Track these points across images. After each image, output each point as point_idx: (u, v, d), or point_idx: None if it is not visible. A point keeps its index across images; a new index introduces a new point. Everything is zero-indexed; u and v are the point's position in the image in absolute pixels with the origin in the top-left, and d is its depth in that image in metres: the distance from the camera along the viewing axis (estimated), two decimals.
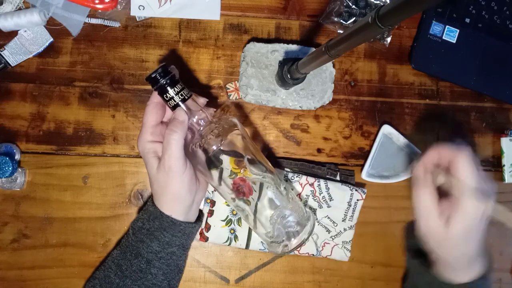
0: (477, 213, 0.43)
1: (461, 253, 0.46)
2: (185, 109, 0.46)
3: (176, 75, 0.47)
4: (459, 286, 0.48)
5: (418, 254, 0.54)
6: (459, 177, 0.43)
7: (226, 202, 0.57)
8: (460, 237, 0.44)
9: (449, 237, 0.44)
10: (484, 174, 0.45)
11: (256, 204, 0.50)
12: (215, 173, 0.49)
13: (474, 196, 0.42)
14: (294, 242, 0.49)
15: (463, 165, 0.44)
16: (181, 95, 0.46)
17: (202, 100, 0.49)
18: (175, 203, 0.48)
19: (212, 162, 0.48)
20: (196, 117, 0.47)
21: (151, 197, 0.51)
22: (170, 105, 0.46)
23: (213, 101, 0.60)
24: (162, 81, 0.45)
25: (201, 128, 0.47)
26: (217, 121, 0.48)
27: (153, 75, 0.45)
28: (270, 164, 0.51)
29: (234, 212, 0.57)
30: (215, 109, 0.50)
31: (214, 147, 0.46)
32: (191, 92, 0.47)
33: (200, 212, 0.56)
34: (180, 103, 0.46)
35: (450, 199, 0.44)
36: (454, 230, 0.43)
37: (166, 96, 0.46)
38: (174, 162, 0.45)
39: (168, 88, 0.45)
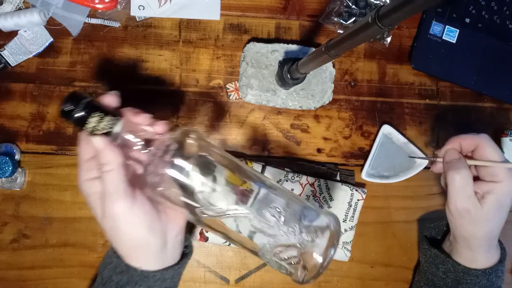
0: (510, 189, 0.48)
1: (490, 229, 0.49)
2: (116, 138, 0.38)
3: (93, 101, 0.37)
4: (476, 272, 0.50)
5: (434, 245, 0.55)
6: (489, 159, 0.48)
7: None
8: (493, 212, 0.48)
9: (484, 211, 0.47)
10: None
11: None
12: (185, 197, 0.39)
13: (509, 174, 0.47)
14: (314, 257, 0.37)
15: (490, 148, 0.48)
16: (105, 124, 0.37)
17: (142, 118, 0.40)
18: (138, 253, 0.40)
19: (173, 184, 0.38)
20: (136, 141, 0.39)
21: None
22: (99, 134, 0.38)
23: (212, 102, 0.60)
24: (75, 115, 0.36)
25: (150, 152, 0.39)
26: (168, 137, 0.39)
27: (63, 108, 0.36)
28: (254, 172, 0.42)
29: None
30: (165, 122, 0.41)
31: (167, 168, 0.37)
32: (118, 116, 0.38)
33: (189, 243, 0.47)
34: (102, 133, 0.37)
35: (477, 181, 0.49)
36: (489, 205, 0.47)
37: (87, 130, 0.37)
38: (117, 205, 0.37)
39: (85, 119, 0.36)
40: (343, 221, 0.59)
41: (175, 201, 0.39)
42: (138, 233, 0.38)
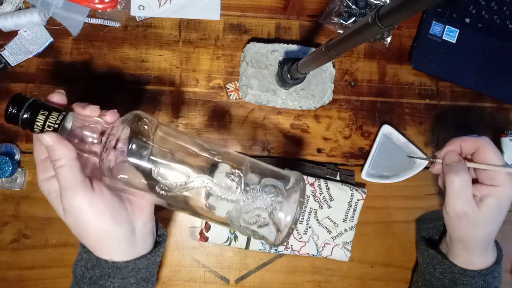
0: (510, 193, 0.48)
1: (487, 232, 0.49)
2: (67, 133, 0.38)
3: (37, 100, 0.37)
4: (472, 273, 0.50)
5: (431, 246, 0.56)
6: (490, 162, 0.48)
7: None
8: (491, 215, 0.48)
9: (482, 215, 0.47)
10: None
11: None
12: (144, 181, 0.39)
13: (508, 178, 0.47)
14: (282, 216, 0.37)
15: (490, 152, 0.48)
16: (53, 120, 0.36)
17: (90, 110, 0.40)
18: (105, 244, 0.39)
19: (132, 170, 0.38)
20: (88, 133, 0.38)
21: None
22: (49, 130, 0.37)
23: (212, 102, 0.60)
24: (22, 116, 0.36)
25: (102, 141, 0.38)
26: (119, 124, 0.39)
27: (8, 112, 0.36)
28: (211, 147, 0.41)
29: None
30: (114, 111, 0.41)
31: (121, 155, 0.37)
32: (66, 110, 0.38)
33: (162, 231, 0.47)
34: (51, 129, 0.37)
35: (475, 184, 0.49)
36: (487, 208, 0.47)
37: (36, 130, 0.36)
38: (73, 198, 0.37)
39: (32, 120, 0.36)
40: (343, 221, 0.59)
41: (135, 185, 0.39)
42: (102, 225, 0.38)
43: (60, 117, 0.37)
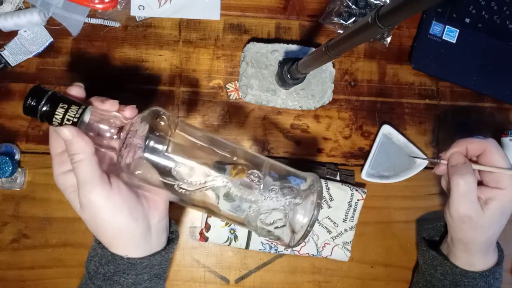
0: None
1: (490, 235, 0.49)
2: (86, 127, 0.37)
3: (56, 93, 0.37)
4: (474, 275, 0.50)
5: (432, 247, 0.55)
6: (496, 165, 0.47)
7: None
8: (495, 218, 0.48)
9: (486, 218, 0.47)
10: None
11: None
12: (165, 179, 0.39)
13: None
14: (299, 218, 0.37)
15: (497, 154, 0.47)
16: (72, 114, 0.36)
17: (109, 105, 0.39)
18: (122, 240, 0.39)
19: (151, 168, 0.37)
20: (107, 128, 0.38)
21: None
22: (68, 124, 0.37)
23: (212, 102, 0.60)
24: (41, 109, 0.35)
25: (121, 137, 0.38)
26: (138, 120, 0.38)
27: (27, 104, 0.35)
28: (236, 147, 0.41)
29: None
30: (133, 106, 0.40)
31: (140, 151, 0.37)
32: (85, 104, 0.38)
33: (175, 228, 0.47)
34: (70, 123, 0.36)
35: (480, 186, 0.49)
36: (491, 211, 0.47)
37: (55, 123, 0.36)
38: (91, 193, 0.36)
39: (51, 113, 0.36)
40: (343, 221, 0.59)
41: (152, 182, 0.38)
42: (119, 220, 0.38)
43: (80, 111, 0.36)
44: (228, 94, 0.60)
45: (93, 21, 0.58)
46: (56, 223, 0.58)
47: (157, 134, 0.37)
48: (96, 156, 0.37)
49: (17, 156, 0.57)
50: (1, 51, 0.57)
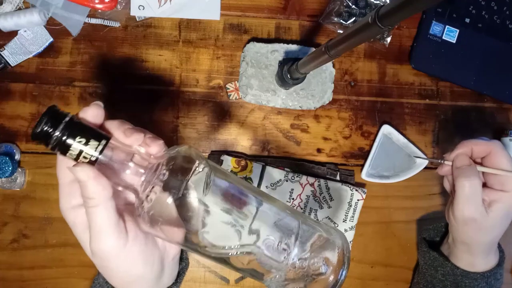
0: None
1: (493, 237, 0.49)
2: (102, 163, 0.31)
3: (74, 118, 0.30)
4: (475, 276, 0.50)
5: (432, 247, 0.55)
6: (501, 167, 0.47)
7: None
8: (498, 220, 0.47)
9: (490, 220, 0.47)
10: None
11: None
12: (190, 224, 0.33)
13: None
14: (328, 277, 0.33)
15: (502, 157, 0.47)
16: (90, 151, 0.30)
17: (134, 139, 0.33)
18: (134, 285, 0.36)
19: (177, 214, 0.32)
20: (128, 167, 0.32)
21: None
22: (84, 162, 0.30)
23: (212, 102, 0.60)
24: (54, 139, 0.29)
25: (144, 180, 0.32)
26: (165, 163, 0.32)
27: (38, 129, 0.29)
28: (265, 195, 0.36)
29: None
30: (161, 142, 0.33)
31: (170, 200, 0.31)
32: (105, 136, 0.31)
33: (185, 255, 0.43)
34: (87, 161, 0.30)
35: (484, 188, 0.48)
36: (495, 214, 0.47)
37: (69, 157, 0.30)
38: (105, 244, 0.32)
39: (69, 143, 0.29)
40: (343, 221, 0.59)
41: (174, 240, 0.34)
42: (133, 269, 0.34)
43: (99, 148, 0.30)
44: (228, 94, 0.60)
45: (93, 21, 0.58)
46: (56, 223, 0.58)
47: (189, 182, 0.31)
48: (113, 199, 0.32)
49: (17, 156, 0.57)
50: (1, 51, 0.57)
